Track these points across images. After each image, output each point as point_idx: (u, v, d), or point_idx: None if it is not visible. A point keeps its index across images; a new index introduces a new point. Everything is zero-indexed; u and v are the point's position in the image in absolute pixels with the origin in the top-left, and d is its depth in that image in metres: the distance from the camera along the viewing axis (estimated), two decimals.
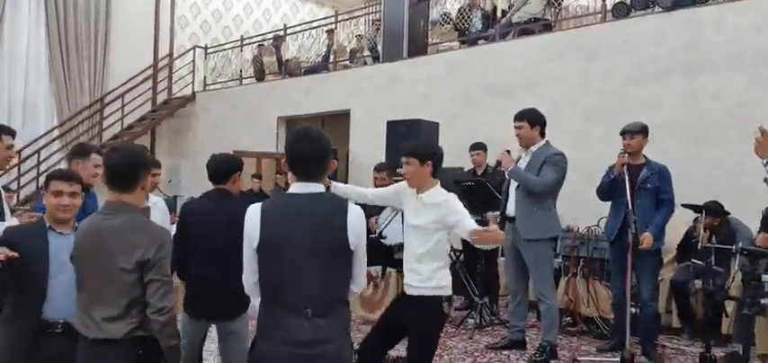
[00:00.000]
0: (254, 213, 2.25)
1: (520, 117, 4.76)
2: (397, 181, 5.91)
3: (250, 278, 2.30)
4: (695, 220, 5.49)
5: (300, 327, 2.16)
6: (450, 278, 3.26)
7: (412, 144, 3.40)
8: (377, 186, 5.70)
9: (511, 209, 4.81)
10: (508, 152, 4.80)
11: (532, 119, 4.70)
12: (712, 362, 4.29)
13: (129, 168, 2.43)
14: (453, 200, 3.14)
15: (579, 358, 4.76)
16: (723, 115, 6.05)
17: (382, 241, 5.44)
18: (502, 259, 6.64)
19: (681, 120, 6.29)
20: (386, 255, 5.55)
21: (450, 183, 5.86)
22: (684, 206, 5.10)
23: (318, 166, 2.30)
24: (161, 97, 12.63)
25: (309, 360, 2.17)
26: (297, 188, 2.28)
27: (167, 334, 2.37)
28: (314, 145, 2.29)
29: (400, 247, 5.30)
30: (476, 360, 4.64)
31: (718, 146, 6.03)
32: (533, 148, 4.70)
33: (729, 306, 4.86)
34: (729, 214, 5.27)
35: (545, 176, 4.55)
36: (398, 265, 5.44)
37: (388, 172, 5.71)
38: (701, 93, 6.27)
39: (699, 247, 4.75)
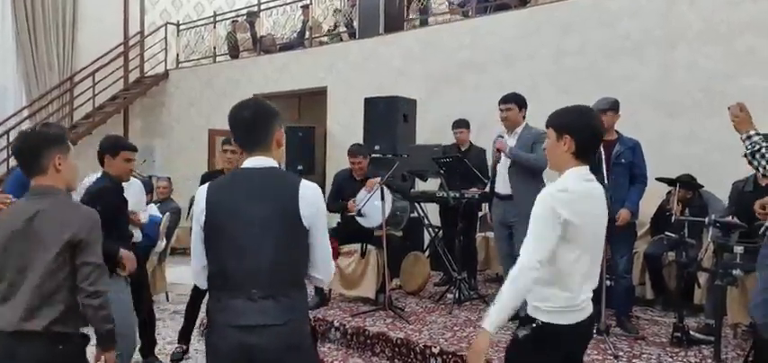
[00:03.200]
0: (201, 190, 2.15)
1: (508, 100, 4.86)
2: (378, 157, 5.94)
3: (196, 261, 2.16)
4: (668, 193, 5.57)
5: (246, 310, 2.02)
6: None
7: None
8: (354, 170, 5.68)
9: (500, 188, 4.90)
10: (501, 136, 4.87)
11: (520, 103, 4.85)
12: (685, 332, 4.40)
13: (33, 149, 2.34)
14: None
15: None
16: (696, 89, 6.12)
17: (359, 219, 5.44)
18: (480, 234, 6.72)
19: (655, 94, 6.36)
20: (367, 233, 5.55)
21: (428, 160, 5.89)
22: (658, 179, 5.16)
23: (262, 132, 2.15)
24: (133, 76, 12.41)
25: (258, 346, 2.01)
26: (247, 162, 2.16)
27: (102, 319, 2.32)
28: (254, 109, 2.17)
29: (380, 226, 5.36)
30: (455, 334, 4.68)
31: (692, 119, 6.11)
32: (518, 130, 4.84)
33: (702, 278, 4.97)
34: (702, 187, 5.36)
35: (541, 152, 4.64)
36: (378, 242, 5.46)
37: (364, 156, 5.69)
38: (675, 67, 6.34)
39: (672, 220, 4.81)
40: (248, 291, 2.02)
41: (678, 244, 4.54)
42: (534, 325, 2.24)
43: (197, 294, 4.77)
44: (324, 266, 2.19)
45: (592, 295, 2.31)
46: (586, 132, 2.29)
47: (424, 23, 9.20)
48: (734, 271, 3.96)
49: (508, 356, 2.40)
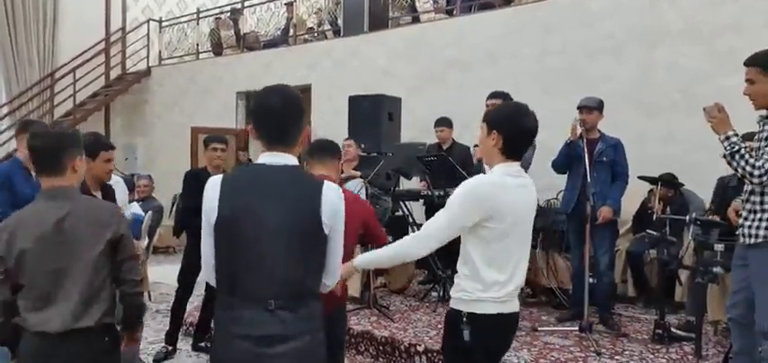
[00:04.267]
0: (213, 185, 1.95)
1: (497, 96, 4.90)
2: (363, 155, 5.94)
3: (209, 260, 1.98)
4: (650, 192, 5.63)
5: (262, 321, 1.86)
6: None
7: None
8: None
9: None
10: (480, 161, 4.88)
11: (507, 100, 4.85)
12: (666, 329, 4.45)
13: (56, 149, 2.31)
14: None
15: (540, 328, 4.86)
16: (676, 89, 6.18)
17: None
18: None
19: (636, 94, 6.41)
20: None
21: (412, 158, 5.90)
22: (640, 178, 5.22)
23: (292, 127, 1.97)
24: (115, 73, 12.28)
25: (273, 359, 1.87)
26: (266, 157, 1.97)
27: (139, 305, 2.48)
28: (287, 99, 1.97)
29: None
30: (440, 332, 4.69)
31: (671, 119, 6.17)
32: None
33: (683, 275, 5.03)
34: (683, 185, 5.42)
35: (526, 156, 4.66)
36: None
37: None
38: (656, 67, 6.40)
39: (654, 218, 4.88)
40: (264, 300, 1.87)
41: (659, 242, 4.60)
42: (464, 319, 2.30)
43: (183, 294, 4.71)
44: (334, 271, 2.06)
45: (514, 290, 2.33)
46: (515, 130, 2.32)
47: (415, 20, 9.19)
48: (714, 269, 4.01)
49: (443, 347, 2.55)
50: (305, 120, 2.03)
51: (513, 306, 2.37)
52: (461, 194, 2.28)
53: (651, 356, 4.22)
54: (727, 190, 4.65)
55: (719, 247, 4.04)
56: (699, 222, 4.43)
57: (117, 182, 4.37)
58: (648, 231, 4.83)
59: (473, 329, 2.29)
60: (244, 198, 1.91)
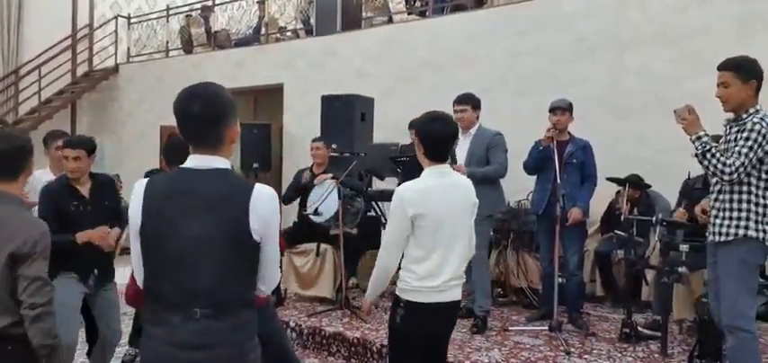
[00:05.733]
0: (137, 190, 1.86)
1: (464, 100, 4.88)
2: (335, 156, 5.93)
3: (139, 269, 1.90)
4: (617, 193, 5.72)
5: (186, 328, 1.79)
6: None
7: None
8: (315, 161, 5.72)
9: None
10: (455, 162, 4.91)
11: (475, 104, 4.90)
12: (634, 328, 4.53)
13: (18, 155, 2.30)
14: None
15: (510, 328, 4.91)
16: (646, 92, 6.29)
17: (314, 218, 5.40)
18: None
19: (606, 97, 6.50)
20: (322, 232, 5.52)
21: (385, 159, 5.90)
22: (609, 179, 5.30)
23: (214, 128, 1.85)
24: (81, 70, 12.01)
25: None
26: (192, 160, 1.87)
27: (40, 331, 2.23)
28: (204, 101, 1.84)
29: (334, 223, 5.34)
30: None
31: (641, 122, 6.28)
32: (472, 130, 4.88)
33: (649, 275, 5.12)
34: (650, 187, 5.52)
35: (498, 159, 4.78)
36: (333, 241, 5.43)
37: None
38: (626, 71, 6.50)
39: (622, 219, 4.96)
40: (188, 309, 1.80)
41: (627, 243, 4.68)
42: (400, 304, 2.64)
43: None
44: (270, 278, 1.99)
45: (450, 279, 2.62)
46: (427, 136, 2.64)
47: (390, 20, 9.19)
48: (680, 269, 4.10)
49: (389, 334, 2.80)
50: (231, 119, 1.89)
51: (452, 295, 2.66)
52: (393, 203, 2.61)
53: (619, 354, 4.29)
54: (693, 192, 4.76)
55: (685, 248, 4.13)
56: (665, 223, 4.52)
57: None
58: (616, 231, 4.91)
59: (406, 314, 2.61)
60: (165, 204, 1.83)
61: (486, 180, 4.68)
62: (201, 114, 1.83)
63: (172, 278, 1.81)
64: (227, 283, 1.83)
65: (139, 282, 1.93)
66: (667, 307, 4.39)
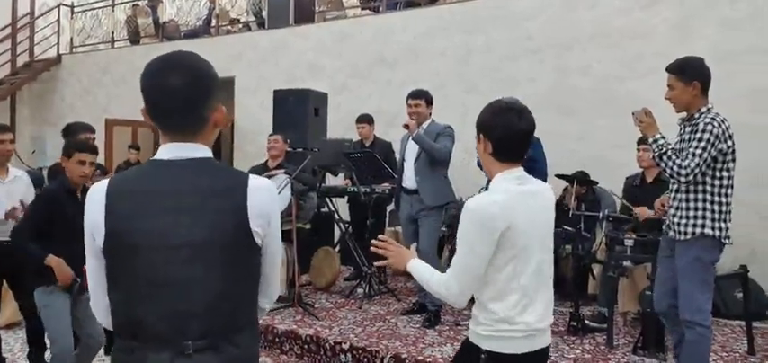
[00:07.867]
0: (95, 196, 1.44)
1: (418, 95, 4.95)
2: (289, 151, 5.87)
3: (100, 296, 1.50)
4: (565, 189, 5.85)
5: None
6: None
7: None
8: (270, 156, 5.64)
9: (407, 182, 4.98)
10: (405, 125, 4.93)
11: (429, 100, 4.98)
12: (581, 321, 4.66)
13: None
14: None
15: (462, 323, 4.97)
16: (589, 90, 6.47)
17: None
18: (390, 229, 6.78)
19: (552, 95, 6.66)
20: None
21: (339, 154, 5.88)
22: (557, 176, 5.42)
23: (195, 107, 1.44)
24: (22, 59, 11.57)
25: None
26: (166, 151, 1.46)
27: None
28: (185, 72, 1.43)
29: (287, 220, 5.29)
30: (365, 329, 4.71)
31: (585, 119, 6.46)
32: (424, 125, 4.94)
33: (595, 269, 5.26)
34: (597, 184, 5.68)
35: (445, 143, 4.84)
36: (287, 237, 5.38)
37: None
38: (570, 70, 6.67)
39: (570, 214, 5.08)
40: (178, 343, 1.39)
41: (575, 238, 4.80)
42: (482, 356, 1.97)
43: None
44: (273, 289, 1.65)
45: (542, 318, 1.97)
46: (499, 131, 1.98)
47: (341, 16, 9.16)
48: (624, 263, 4.24)
49: None
50: (216, 96, 1.50)
51: (543, 341, 1.99)
52: (467, 219, 1.89)
53: (567, 347, 4.41)
54: (632, 190, 4.98)
55: (629, 242, 4.27)
56: (611, 218, 4.66)
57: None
58: (564, 227, 5.03)
59: None
60: (137, 208, 1.41)
61: (435, 165, 4.80)
62: (180, 89, 1.41)
63: (154, 305, 1.39)
64: (227, 302, 1.44)
65: (101, 317, 1.55)
66: (612, 300, 4.53)
